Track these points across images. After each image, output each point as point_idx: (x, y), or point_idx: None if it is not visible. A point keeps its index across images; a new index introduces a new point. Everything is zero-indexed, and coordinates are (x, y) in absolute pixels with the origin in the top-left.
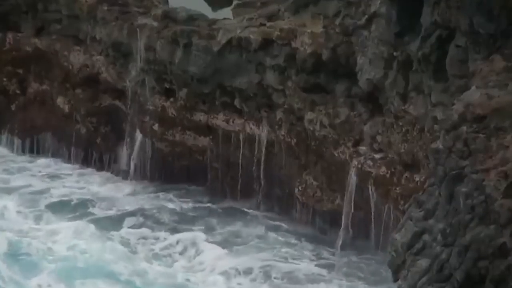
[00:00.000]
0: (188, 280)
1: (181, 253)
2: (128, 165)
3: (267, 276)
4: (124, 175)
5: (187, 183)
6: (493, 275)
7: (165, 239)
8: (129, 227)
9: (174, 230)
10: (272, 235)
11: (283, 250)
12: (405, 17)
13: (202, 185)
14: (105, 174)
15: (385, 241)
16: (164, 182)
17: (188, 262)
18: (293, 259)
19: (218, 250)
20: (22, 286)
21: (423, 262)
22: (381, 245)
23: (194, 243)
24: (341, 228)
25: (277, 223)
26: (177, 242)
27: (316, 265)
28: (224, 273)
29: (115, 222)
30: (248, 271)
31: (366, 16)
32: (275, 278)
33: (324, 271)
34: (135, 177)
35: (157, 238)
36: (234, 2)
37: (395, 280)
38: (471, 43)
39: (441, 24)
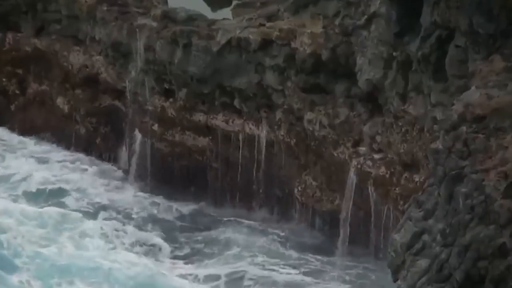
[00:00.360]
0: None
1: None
2: (128, 165)
3: (238, 282)
4: (124, 175)
5: (186, 183)
6: (492, 275)
7: (130, 237)
8: (104, 219)
9: (147, 230)
10: (260, 240)
11: (266, 257)
12: (405, 17)
13: (201, 185)
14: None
15: (385, 241)
16: (163, 182)
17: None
18: (273, 265)
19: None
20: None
21: (422, 262)
22: (381, 245)
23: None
24: (341, 228)
25: (268, 229)
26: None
27: (300, 273)
28: (186, 277)
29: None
30: (216, 278)
31: (366, 16)
32: (246, 285)
33: (307, 278)
34: (134, 177)
35: (125, 234)
36: (234, 3)
37: (395, 280)
38: (471, 43)
39: (440, 24)
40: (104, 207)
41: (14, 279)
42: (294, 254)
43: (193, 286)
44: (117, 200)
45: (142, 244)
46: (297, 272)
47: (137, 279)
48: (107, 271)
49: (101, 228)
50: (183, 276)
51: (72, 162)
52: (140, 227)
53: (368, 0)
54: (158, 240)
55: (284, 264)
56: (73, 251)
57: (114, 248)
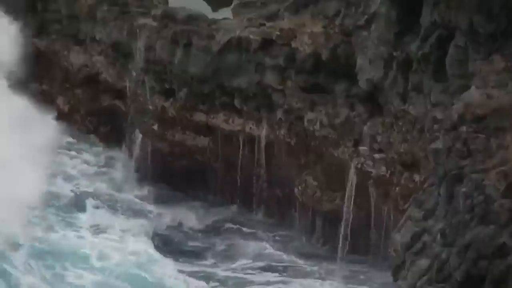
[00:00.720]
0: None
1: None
2: (128, 165)
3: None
4: (124, 174)
5: (186, 183)
6: (492, 275)
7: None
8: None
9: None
10: (253, 243)
11: (253, 260)
12: (405, 17)
13: (201, 185)
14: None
15: (385, 241)
16: (163, 181)
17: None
18: (255, 268)
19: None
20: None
21: (422, 262)
22: (381, 245)
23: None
24: (341, 228)
25: (265, 230)
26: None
27: (282, 275)
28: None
29: None
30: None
31: (366, 16)
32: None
33: (289, 278)
34: (134, 176)
35: (116, 225)
36: (234, 2)
37: (395, 280)
38: (471, 43)
39: (441, 24)
40: (100, 204)
41: (17, 257)
42: (285, 256)
43: (177, 276)
44: (115, 198)
45: (132, 237)
46: (280, 273)
47: (126, 267)
48: (97, 258)
49: (93, 218)
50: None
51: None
52: (134, 225)
53: (368, 0)
54: (149, 237)
55: (269, 266)
56: (65, 236)
57: (105, 237)
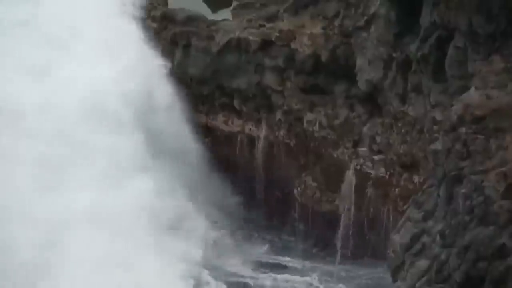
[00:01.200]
0: None
1: None
2: None
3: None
4: None
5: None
6: (492, 276)
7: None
8: None
9: None
10: (248, 246)
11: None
12: (404, 18)
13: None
14: None
15: (384, 242)
16: None
17: None
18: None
19: None
20: None
21: (422, 263)
22: (381, 246)
23: None
24: (340, 229)
25: (262, 232)
26: None
27: (261, 271)
28: None
29: None
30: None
31: (365, 17)
32: None
33: (267, 275)
34: None
35: None
36: (233, 3)
37: (394, 281)
38: (471, 44)
39: (440, 24)
40: None
41: None
42: (274, 255)
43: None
44: None
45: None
46: (254, 269)
47: None
48: None
49: None
50: None
51: None
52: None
53: (368, 1)
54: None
55: (249, 263)
56: None
57: None
